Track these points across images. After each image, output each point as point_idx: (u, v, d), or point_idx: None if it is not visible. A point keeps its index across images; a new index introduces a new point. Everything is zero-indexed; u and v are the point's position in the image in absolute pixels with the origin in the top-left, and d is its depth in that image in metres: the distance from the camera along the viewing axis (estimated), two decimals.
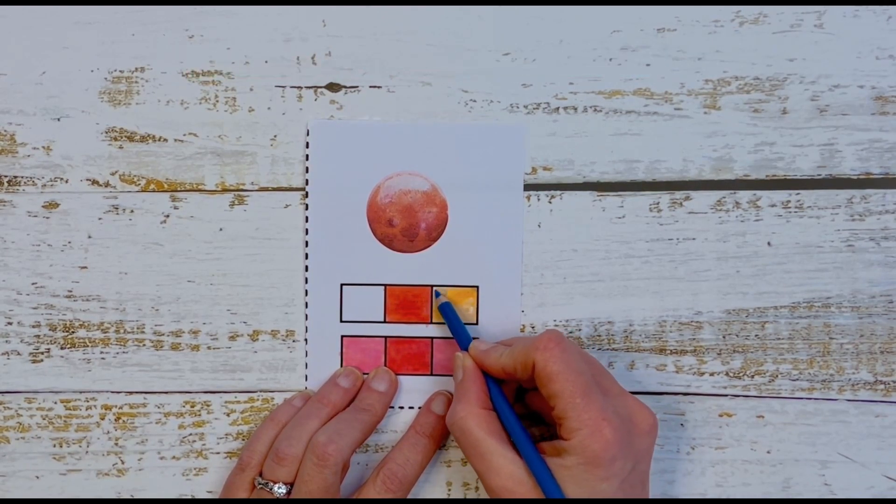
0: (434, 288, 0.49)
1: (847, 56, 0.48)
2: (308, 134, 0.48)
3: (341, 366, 0.49)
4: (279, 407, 0.48)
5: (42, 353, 0.49)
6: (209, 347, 0.49)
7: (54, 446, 0.49)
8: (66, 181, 0.49)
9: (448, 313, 0.48)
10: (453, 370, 0.47)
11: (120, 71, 0.48)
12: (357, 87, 0.48)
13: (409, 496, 0.47)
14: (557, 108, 0.48)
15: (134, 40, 0.48)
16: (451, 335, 0.48)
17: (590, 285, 0.49)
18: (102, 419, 0.49)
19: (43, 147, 0.49)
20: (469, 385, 0.45)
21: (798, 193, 0.48)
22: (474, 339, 0.47)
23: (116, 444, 0.49)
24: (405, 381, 0.49)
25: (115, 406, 0.49)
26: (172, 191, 0.49)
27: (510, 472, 0.42)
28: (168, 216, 0.49)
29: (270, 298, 0.49)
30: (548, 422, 0.47)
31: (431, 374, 0.49)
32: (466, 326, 0.48)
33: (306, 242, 0.49)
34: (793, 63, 0.48)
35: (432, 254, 0.49)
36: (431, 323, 0.49)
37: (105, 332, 0.49)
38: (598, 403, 0.41)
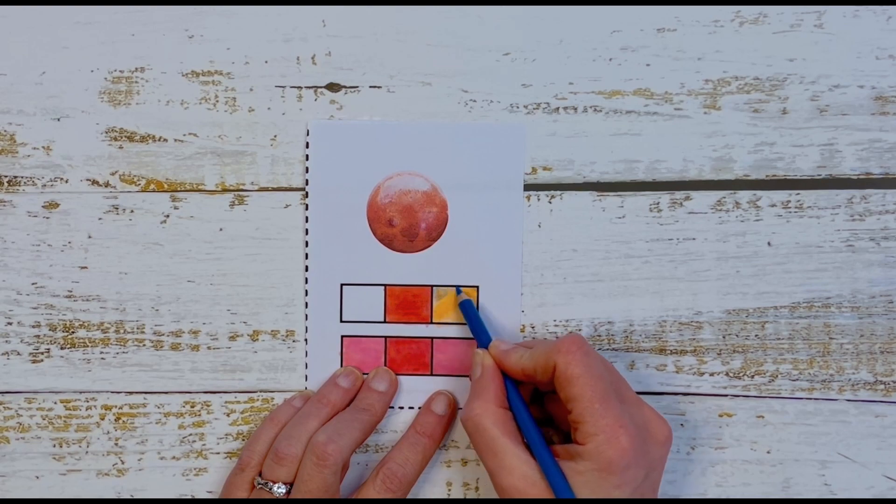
0: (457, 286, 0.48)
1: (847, 56, 0.48)
2: (308, 134, 0.48)
3: (341, 366, 0.49)
4: (279, 407, 0.48)
5: (42, 353, 0.49)
6: (209, 347, 0.49)
7: (54, 446, 0.49)
8: (66, 181, 0.49)
9: (469, 311, 0.48)
10: (471, 366, 0.46)
11: (120, 71, 0.48)
12: (357, 87, 0.48)
13: (409, 496, 0.47)
14: (557, 108, 0.48)
15: (134, 40, 0.48)
16: (451, 336, 0.48)
17: (590, 285, 0.49)
18: (102, 419, 0.49)
19: (43, 147, 0.49)
20: (487, 383, 0.45)
21: (798, 193, 0.48)
22: (494, 338, 0.47)
23: (116, 444, 0.49)
24: (405, 381, 0.49)
25: (115, 406, 0.49)
26: (172, 191, 0.49)
27: (523, 473, 0.42)
28: (168, 216, 0.49)
29: (270, 298, 0.49)
30: (562, 427, 0.46)
31: (431, 374, 0.49)
32: (466, 326, 0.48)
33: (306, 242, 0.49)
34: (793, 63, 0.48)
35: (432, 254, 0.49)
36: (431, 323, 0.49)
37: (105, 332, 0.49)
38: (616, 410, 0.41)
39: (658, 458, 0.43)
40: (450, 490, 0.49)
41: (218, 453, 0.49)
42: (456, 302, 0.48)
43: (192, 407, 0.49)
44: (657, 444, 0.43)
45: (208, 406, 0.49)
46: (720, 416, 0.49)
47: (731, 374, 0.49)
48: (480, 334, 0.47)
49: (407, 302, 0.49)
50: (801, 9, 0.48)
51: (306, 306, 0.49)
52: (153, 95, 0.48)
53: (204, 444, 0.49)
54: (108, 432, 0.49)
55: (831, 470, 0.49)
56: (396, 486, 0.45)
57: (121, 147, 0.49)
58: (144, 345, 0.49)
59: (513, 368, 0.45)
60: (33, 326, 0.49)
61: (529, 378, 0.44)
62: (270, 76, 0.48)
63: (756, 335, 0.49)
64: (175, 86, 0.48)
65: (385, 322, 0.49)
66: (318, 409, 0.47)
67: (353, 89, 0.48)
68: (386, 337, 0.49)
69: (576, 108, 0.48)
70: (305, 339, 0.49)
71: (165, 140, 0.49)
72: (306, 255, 0.49)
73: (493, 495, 0.45)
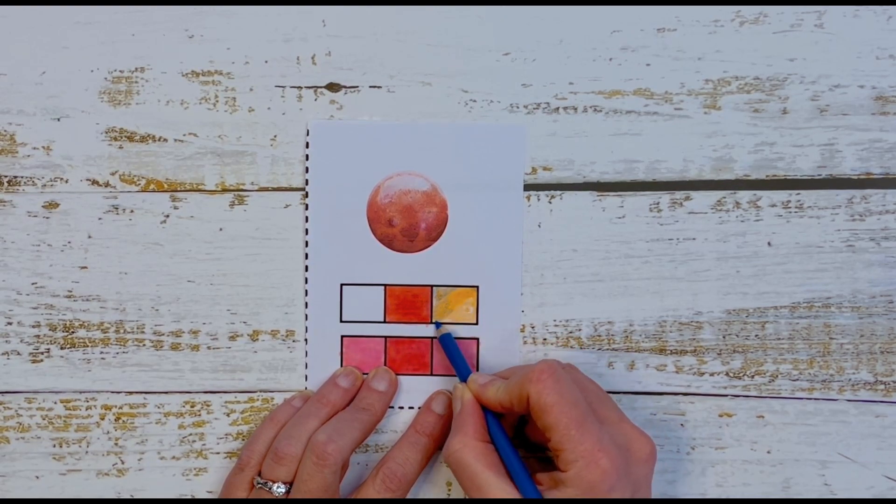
0: (436, 321, 0.48)
1: (847, 56, 0.48)
2: (308, 134, 0.48)
3: (341, 366, 0.49)
4: (279, 407, 0.48)
5: (42, 353, 0.49)
6: (209, 347, 0.49)
7: (54, 446, 0.49)
8: (66, 181, 0.49)
9: (448, 345, 0.48)
10: (452, 401, 0.47)
11: (120, 71, 0.48)
12: (357, 87, 0.48)
13: (409, 496, 0.47)
14: (557, 108, 0.48)
15: (134, 40, 0.48)
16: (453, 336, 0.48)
17: (590, 285, 0.49)
18: (102, 419, 0.49)
19: (43, 147, 0.49)
20: (466, 418, 0.45)
21: (798, 193, 0.48)
22: (473, 372, 0.47)
23: (116, 444, 0.49)
24: (405, 381, 0.49)
25: (115, 406, 0.49)
26: (172, 191, 0.49)
27: None
28: (168, 216, 0.49)
29: (270, 298, 0.49)
30: (548, 454, 0.46)
31: (431, 374, 0.49)
32: (466, 326, 0.48)
33: (306, 242, 0.49)
34: (793, 63, 0.48)
35: (432, 254, 0.49)
36: (431, 323, 0.49)
37: (105, 332, 0.49)
38: (594, 434, 0.41)
39: (642, 476, 0.42)
40: (450, 490, 0.49)
41: (218, 453, 0.49)
42: (436, 333, 0.48)
43: (192, 407, 0.49)
44: (639, 462, 0.42)
45: (208, 406, 0.49)
46: (720, 416, 0.49)
47: (731, 374, 0.49)
48: (460, 368, 0.47)
49: (407, 302, 0.49)
50: (801, 9, 0.48)
51: (306, 306, 0.49)
52: (153, 95, 0.48)
53: (204, 444, 0.49)
54: (108, 432, 0.49)
55: (831, 470, 0.49)
56: (396, 486, 0.45)
57: (121, 147, 0.49)
58: (144, 345, 0.49)
59: (491, 402, 0.45)
60: (33, 326, 0.49)
61: (508, 410, 0.44)
62: (270, 76, 0.48)
63: (756, 335, 0.49)
64: (175, 86, 0.48)
65: (385, 322, 0.49)
66: (317, 408, 0.47)
67: (353, 89, 0.48)
68: (386, 337, 0.49)
69: (576, 108, 0.48)
70: (305, 339, 0.49)
71: (165, 140, 0.49)
72: (306, 255, 0.49)
73: None
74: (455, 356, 0.47)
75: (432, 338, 0.49)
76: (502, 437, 0.44)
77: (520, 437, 0.47)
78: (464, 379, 0.46)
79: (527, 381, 0.42)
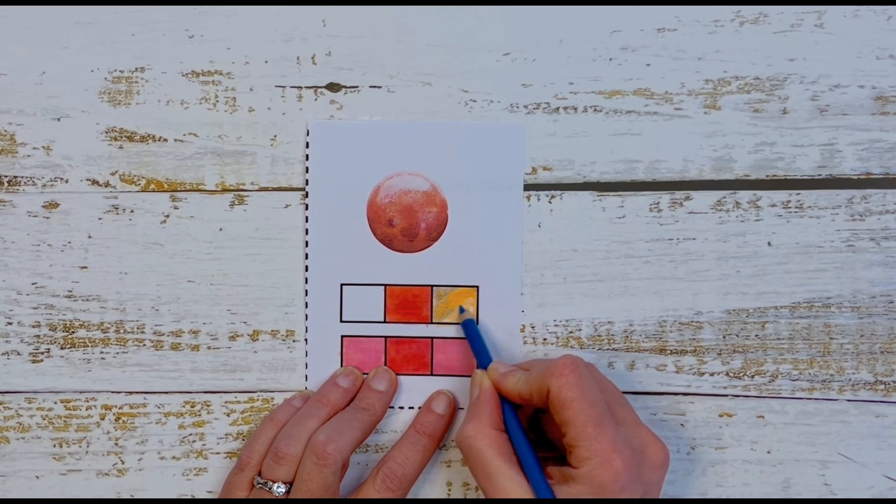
0: (460, 307, 0.48)
1: (847, 56, 0.48)
2: (308, 134, 0.48)
3: (341, 366, 0.49)
4: (279, 407, 0.48)
5: (42, 353, 0.49)
6: (209, 347, 0.49)
7: (54, 446, 0.49)
8: (66, 181, 0.49)
9: (471, 330, 0.47)
10: (470, 386, 0.47)
11: (120, 71, 0.48)
12: (357, 87, 0.48)
13: (409, 496, 0.47)
14: (557, 108, 0.48)
15: (134, 40, 0.48)
16: (451, 336, 0.48)
17: (590, 285, 0.49)
18: (102, 419, 0.49)
19: (43, 147, 0.49)
20: (483, 405, 0.45)
21: (798, 193, 0.48)
22: (494, 360, 0.46)
23: (116, 444, 0.49)
24: (405, 381, 0.49)
25: (115, 406, 0.49)
26: (172, 191, 0.49)
27: (516, 495, 0.41)
28: (168, 216, 0.49)
29: (270, 298, 0.49)
30: (559, 448, 0.46)
31: (431, 374, 0.49)
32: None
33: (306, 242, 0.49)
34: (793, 63, 0.48)
35: (432, 254, 0.49)
36: (431, 323, 0.49)
37: (105, 332, 0.49)
38: (610, 434, 0.41)
39: (654, 480, 0.42)
40: (450, 490, 0.49)
41: (218, 453, 0.49)
42: (459, 318, 0.48)
43: (192, 407, 0.49)
44: (653, 467, 0.42)
45: (208, 406, 0.49)
46: (720, 416, 0.49)
47: (732, 374, 0.49)
48: (481, 355, 0.47)
49: (407, 302, 0.49)
50: (801, 9, 0.48)
51: (306, 306, 0.49)
52: (153, 95, 0.48)
53: (204, 444, 0.49)
54: (108, 432, 0.49)
55: (831, 470, 0.49)
56: (396, 486, 0.45)
57: (121, 147, 0.49)
58: (144, 345, 0.49)
59: (510, 393, 0.45)
60: (33, 326, 0.49)
61: (526, 402, 0.44)
62: (270, 76, 0.48)
63: (756, 335, 0.49)
64: (175, 86, 0.48)
65: (385, 322, 0.49)
66: (317, 408, 0.47)
67: (353, 89, 0.48)
68: (386, 337, 0.49)
69: (576, 108, 0.48)
70: (305, 339, 0.49)
71: (165, 140, 0.49)
72: (306, 255, 0.49)
73: None
74: (477, 342, 0.47)
75: (432, 338, 0.49)
76: (517, 427, 0.44)
77: (534, 431, 0.47)
78: (484, 366, 0.46)
79: (549, 375, 0.42)
